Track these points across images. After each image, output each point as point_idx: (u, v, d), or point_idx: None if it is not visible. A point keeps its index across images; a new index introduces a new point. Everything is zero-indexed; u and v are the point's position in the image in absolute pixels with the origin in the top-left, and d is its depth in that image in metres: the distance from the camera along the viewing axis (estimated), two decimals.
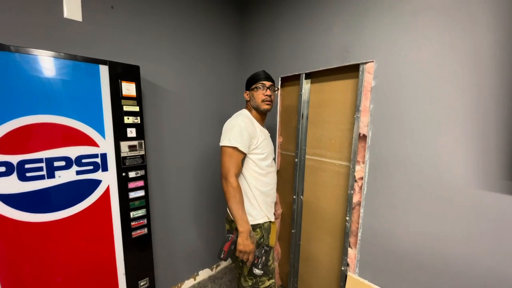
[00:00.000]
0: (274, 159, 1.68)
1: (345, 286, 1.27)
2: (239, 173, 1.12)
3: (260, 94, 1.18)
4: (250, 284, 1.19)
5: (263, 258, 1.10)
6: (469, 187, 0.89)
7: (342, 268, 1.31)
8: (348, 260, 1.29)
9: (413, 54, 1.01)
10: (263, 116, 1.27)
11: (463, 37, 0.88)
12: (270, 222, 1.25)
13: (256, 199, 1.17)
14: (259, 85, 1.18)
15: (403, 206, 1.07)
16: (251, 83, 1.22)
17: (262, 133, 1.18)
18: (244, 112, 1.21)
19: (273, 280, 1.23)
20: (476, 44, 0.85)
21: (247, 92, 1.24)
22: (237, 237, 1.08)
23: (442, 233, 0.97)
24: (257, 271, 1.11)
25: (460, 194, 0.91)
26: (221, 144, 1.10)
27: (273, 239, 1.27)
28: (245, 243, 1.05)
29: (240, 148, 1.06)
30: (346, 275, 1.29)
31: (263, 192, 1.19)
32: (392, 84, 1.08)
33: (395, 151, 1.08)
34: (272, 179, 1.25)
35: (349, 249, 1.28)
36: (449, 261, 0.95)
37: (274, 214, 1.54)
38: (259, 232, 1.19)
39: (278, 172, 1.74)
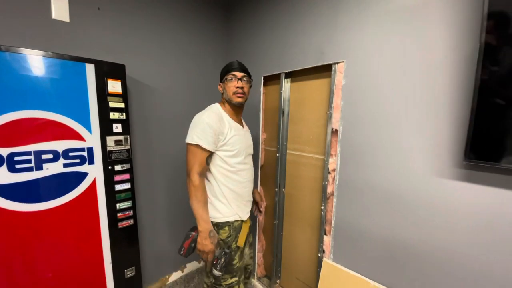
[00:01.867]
0: (257, 155, 1.76)
1: (320, 271, 1.36)
2: (203, 171, 1.09)
3: (232, 86, 1.12)
4: (212, 280, 1.20)
5: (222, 260, 1.09)
6: (427, 175, 0.98)
7: (319, 255, 1.40)
8: (323, 247, 1.38)
9: (378, 55, 1.10)
10: (238, 110, 1.22)
11: (420, 41, 0.97)
12: (242, 221, 1.22)
13: (226, 196, 1.14)
14: (230, 76, 1.12)
15: (370, 195, 1.16)
16: (223, 74, 1.17)
17: (232, 129, 1.12)
18: (214, 106, 1.17)
19: (236, 279, 1.19)
20: (431, 47, 0.95)
21: (221, 84, 1.19)
22: (197, 235, 1.07)
23: (405, 219, 1.06)
24: (215, 272, 1.09)
25: (419, 182, 1.00)
26: (186, 141, 1.08)
27: (242, 239, 1.21)
28: (203, 243, 1.05)
29: (203, 146, 1.04)
30: (322, 261, 1.38)
31: (233, 190, 1.15)
32: (360, 83, 1.17)
33: (362, 144, 1.17)
34: (244, 177, 1.20)
35: (324, 236, 1.37)
36: (413, 245, 1.04)
37: (256, 212, 1.52)
38: (227, 230, 1.15)
39: (262, 167, 1.82)
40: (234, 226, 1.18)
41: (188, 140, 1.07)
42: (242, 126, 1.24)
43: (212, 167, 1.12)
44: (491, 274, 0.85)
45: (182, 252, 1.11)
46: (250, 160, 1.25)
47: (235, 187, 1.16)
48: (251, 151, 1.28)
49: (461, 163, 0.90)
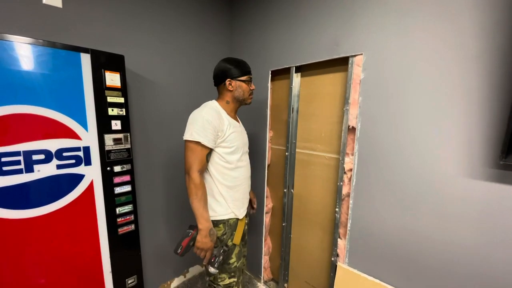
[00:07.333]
0: (264, 154, 1.68)
1: (335, 276, 1.29)
2: (203, 169, 1.08)
3: (248, 88, 1.17)
4: (208, 279, 1.21)
5: (220, 257, 1.08)
6: (455, 176, 0.91)
7: (332, 259, 1.33)
8: (338, 250, 1.31)
9: (400, 47, 1.02)
10: (238, 108, 1.24)
11: (449, 32, 0.90)
12: (238, 219, 1.20)
13: (222, 194, 1.13)
14: (248, 77, 1.17)
15: (391, 196, 1.09)
16: (239, 73, 1.14)
17: (231, 126, 1.12)
18: (211, 103, 1.15)
19: (234, 279, 1.19)
20: (462, 39, 0.87)
21: (232, 81, 1.14)
22: (197, 233, 1.06)
23: (429, 222, 0.99)
24: (212, 270, 1.08)
25: (447, 184, 0.94)
26: (184, 138, 1.06)
27: (238, 237, 1.20)
28: (203, 241, 1.04)
29: (203, 143, 1.02)
30: (336, 266, 1.31)
31: (230, 187, 1.15)
32: (380, 77, 1.09)
33: (383, 142, 1.10)
34: (242, 173, 1.20)
35: (339, 240, 1.30)
36: (437, 249, 0.98)
37: (251, 212, 1.48)
38: (222, 228, 1.15)
39: (268, 166, 1.74)
40: (229, 224, 1.16)
41: (187, 136, 1.04)
42: (238, 122, 1.25)
43: (209, 164, 1.11)
44: None
45: (179, 251, 1.07)
46: (247, 158, 1.26)
47: (232, 184, 1.15)
48: (247, 149, 1.28)
49: (496, 163, 0.83)
